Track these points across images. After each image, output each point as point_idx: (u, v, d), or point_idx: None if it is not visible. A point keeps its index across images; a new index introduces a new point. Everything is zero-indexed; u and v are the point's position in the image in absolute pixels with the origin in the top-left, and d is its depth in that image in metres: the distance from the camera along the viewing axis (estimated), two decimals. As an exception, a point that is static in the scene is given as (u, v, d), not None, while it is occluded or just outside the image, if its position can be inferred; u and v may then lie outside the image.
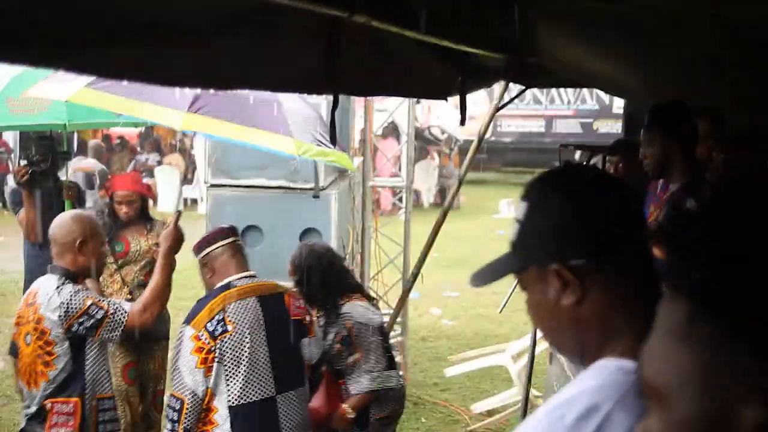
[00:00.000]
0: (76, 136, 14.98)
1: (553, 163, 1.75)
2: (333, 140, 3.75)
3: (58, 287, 3.40)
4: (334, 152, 4.76)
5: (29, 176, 5.81)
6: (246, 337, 3.36)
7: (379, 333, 3.99)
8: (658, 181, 3.71)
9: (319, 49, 2.40)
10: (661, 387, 0.90)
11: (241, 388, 3.34)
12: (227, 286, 3.44)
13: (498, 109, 5.72)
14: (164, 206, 14.82)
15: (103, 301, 3.48)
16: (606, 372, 1.21)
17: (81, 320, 3.37)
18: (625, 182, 1.47)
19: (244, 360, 3.34)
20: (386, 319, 6.94)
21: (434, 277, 9.71)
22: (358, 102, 7.36)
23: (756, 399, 0.81)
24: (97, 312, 3.39)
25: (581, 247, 1.27)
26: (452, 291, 10.35)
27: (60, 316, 3.34)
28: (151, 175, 16.79)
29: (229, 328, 3.33)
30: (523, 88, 5.59)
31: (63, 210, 5.65)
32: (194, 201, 16.52)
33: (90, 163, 11.28)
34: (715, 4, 2.29)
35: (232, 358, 3.32)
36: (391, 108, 8.36)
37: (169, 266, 3.66)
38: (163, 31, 1.55)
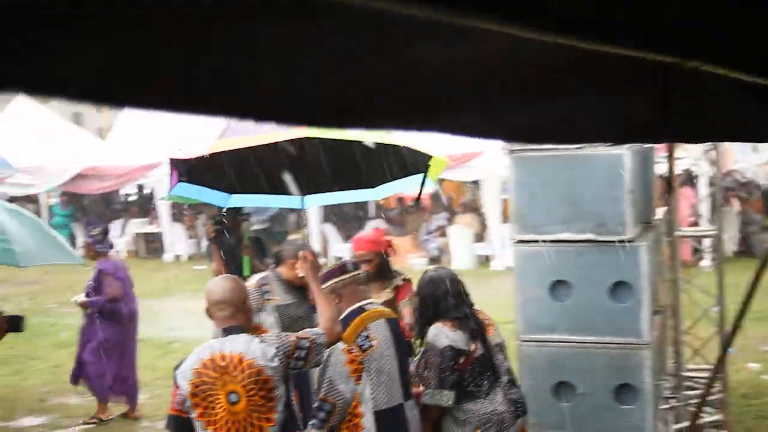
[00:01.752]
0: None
1: None
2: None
3: (261, 340, 3.63)
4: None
5: (215, 233, 7.04)
6: (385, 351, 4.07)
7: (440, 355, 4.21)
8: None
9: (646, 97, 2.39)
10: None
11: (382, 395, 4.02)
12: (361, 309, 4.13)
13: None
14: (459, 264, 15.19)
15: (300, 332, 3.79)
16: None
17: (296, 355, 3.64)
18: None
19: (384, 371, 4.04)
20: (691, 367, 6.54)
21: (748, 330, 9.04)
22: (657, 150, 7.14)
23: None
24: (303, 342, 3.68)
25: None
26: (771, 345, 9.59)
27: (281, 359, 3.59)
28: (442, 234, 17.36)
29: (374, 343, 4.04)
30: None
31: (241, 264, 6.56)
32: (487, 258, 16.73)
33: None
34: None
35: (376, 369, 4.01)
36: (687, 155, 8.04)
37: (320, 288, 4.03)
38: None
